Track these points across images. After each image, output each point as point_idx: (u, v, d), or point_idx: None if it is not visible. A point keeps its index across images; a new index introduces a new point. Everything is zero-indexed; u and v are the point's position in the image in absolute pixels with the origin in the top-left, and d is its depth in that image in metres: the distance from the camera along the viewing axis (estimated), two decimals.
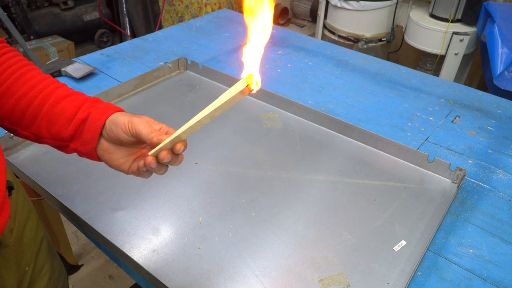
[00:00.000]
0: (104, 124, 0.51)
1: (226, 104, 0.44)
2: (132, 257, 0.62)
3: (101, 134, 0.51)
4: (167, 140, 0.47)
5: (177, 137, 0.47)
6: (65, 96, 0.52)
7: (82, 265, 1.45)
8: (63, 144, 0.52)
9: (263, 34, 0.44)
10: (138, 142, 0.51)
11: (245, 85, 0.44)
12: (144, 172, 0.51)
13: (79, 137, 0.51)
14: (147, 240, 0.66)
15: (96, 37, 3.12)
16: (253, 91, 0.45)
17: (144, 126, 0.49)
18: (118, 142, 0.51)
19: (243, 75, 0.44)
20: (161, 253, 0.64)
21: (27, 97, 0.50)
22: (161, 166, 0.50)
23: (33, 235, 0.63)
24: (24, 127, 0.52)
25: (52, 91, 0.52)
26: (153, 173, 0.51)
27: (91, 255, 1.49)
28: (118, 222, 0.68)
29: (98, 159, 0.53)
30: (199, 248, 0.65)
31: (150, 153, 0.49)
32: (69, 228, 1.55)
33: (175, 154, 0.49)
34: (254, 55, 0.44)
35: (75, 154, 0.53)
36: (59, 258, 0.75)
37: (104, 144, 0.52)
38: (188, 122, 0.46)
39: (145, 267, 0.61)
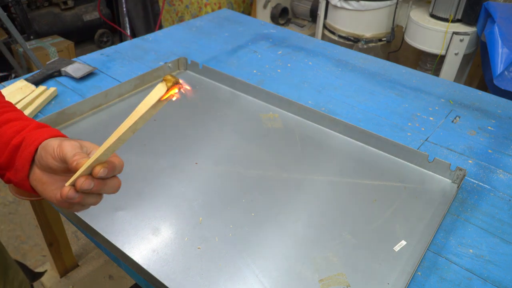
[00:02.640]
0: (36, 150, 0.45)
1: (148, 114, 0.39)
2: (132, 257, 0.62)
3: (33, 161, 0.45)
4: (85, 165, 0.41)
5: (96, 160, 0.41)
6: (9, 120, 0.47)
7: (46, 271, 1.40)
8: (0, 172, 0.47)
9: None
10: (71, 170, 0.43)
11: (165, 89, 0.38)
12: (70, 204, 0.44)
13: (13, 165, 0.46)
14: (147, 240, 0.66)
15: (96, 37, 3.12)
16: (176, 95, 0.39)
17: (71, 149, 0.42)
18: (51, 171, 0.45)
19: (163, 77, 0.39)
20: (161, 253, 0.64)
21: None
22: (86, 196, 0.43)
23: None
24: None
25: None
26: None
27: (91, 255, 1.49)
28: (118, 222, 0.68)
29: (32, 190, 0.47)
30: (199, 248, 0.65)
31: (67, 182, 0.42)
32: (69, 228, 1.55)
33: (98, 178, 0.42)
34: None
35: None
36: (16, 267, 0.71)
37: (37, 173, 0.45)
38: (106, 141, 0.40)
39: (145, 267, 0.61)
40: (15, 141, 0.45)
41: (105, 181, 0.43)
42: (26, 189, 0.47)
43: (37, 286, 1.39)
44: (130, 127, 0.39)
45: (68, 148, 0.42)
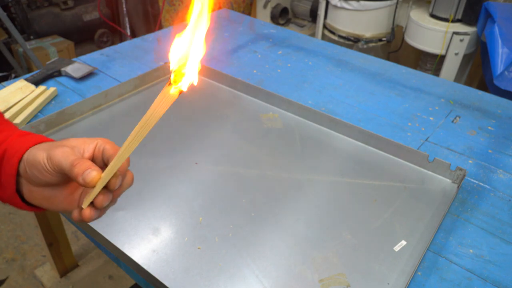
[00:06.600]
0: (19, 163, 0.40)
1: (157, 118, 0.37)
2: (132, 257, 0.62)
3: (20, 176, 0.40)
4: (98, 184, 0.37)
5: (107, 174, 0.37)
6: None
7: (7, 277, 1.32)
8: None
9: (198, 20, 0.35)
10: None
11: (174, 92, 0.35)
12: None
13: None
14: (147, 240, 0.66)
15: (96, 37, 3.11)
16: (184, 91, 0.36)
17: (63, 157, 0.37)
18: (50, 185, 0.40)
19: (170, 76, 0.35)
20: (161, 253, 0.64)
21: None
22: (107, 207, 0.40)
23: None
24: None
25: None
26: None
27: (91, 255, 1.49)
28: (118, 222, 0.68)
29: (26, 206, 0.42)
30: (199, 248, 0.65)
31: (83, 205, 0.38)
32: (69, 228, 1.55)
33: (115, 189, 0.38)
34: (188, 44, 0.35)
35: None
36: None
37: (35, 191, 0.41)
38: (117, 154, 0.37)
39: (145, 267, 0.61)
40: None
41: (121, 185, 0.40)
42: (18, 206, 0.42)
43: (37, 286, 1.39)
44: (140, 136, 0.37)
45: (60, 157, 0.37)
